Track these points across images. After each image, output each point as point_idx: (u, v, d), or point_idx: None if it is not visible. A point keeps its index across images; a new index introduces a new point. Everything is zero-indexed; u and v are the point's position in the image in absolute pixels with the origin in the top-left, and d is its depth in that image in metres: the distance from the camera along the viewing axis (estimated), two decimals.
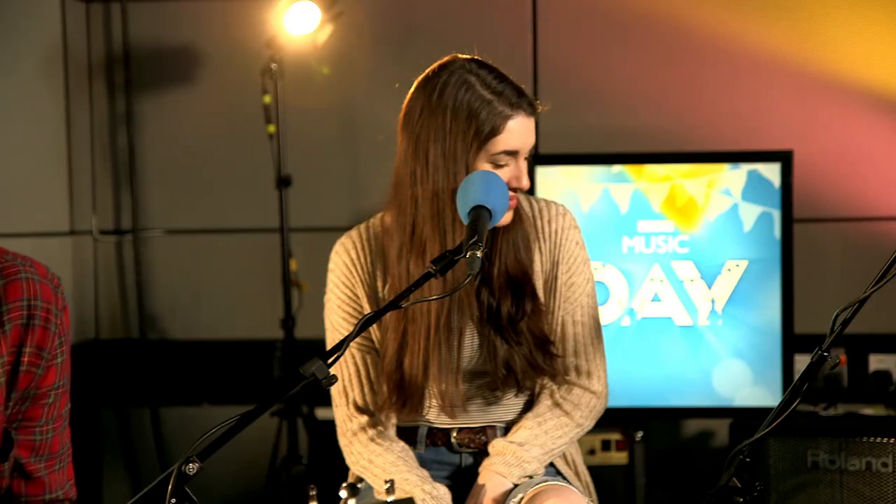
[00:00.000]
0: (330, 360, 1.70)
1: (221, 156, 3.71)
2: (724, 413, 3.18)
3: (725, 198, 3.13)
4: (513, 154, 2.03)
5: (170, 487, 1.63)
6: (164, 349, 3.73)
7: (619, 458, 3.14)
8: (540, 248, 2.13)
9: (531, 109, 2.04)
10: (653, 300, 3.15)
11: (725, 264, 3.13)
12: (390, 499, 1.25)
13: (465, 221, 1.81)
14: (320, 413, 3.56)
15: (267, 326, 3.59)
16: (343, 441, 2.14)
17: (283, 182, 3.39)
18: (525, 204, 2.16)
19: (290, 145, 3.51)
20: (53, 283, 1.59)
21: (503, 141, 2.01)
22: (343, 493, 1.20)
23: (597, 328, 2.16)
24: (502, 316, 2.04)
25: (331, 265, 2.16)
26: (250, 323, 3.68)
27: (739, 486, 1.83)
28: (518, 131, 2.02)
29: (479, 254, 1.69)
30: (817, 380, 3.38)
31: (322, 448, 3.49)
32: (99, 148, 3.76)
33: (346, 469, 2.18)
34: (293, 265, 3.41)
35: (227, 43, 3.66)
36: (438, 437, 2.14)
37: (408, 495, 1.92)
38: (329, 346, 2.13)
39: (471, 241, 1.71)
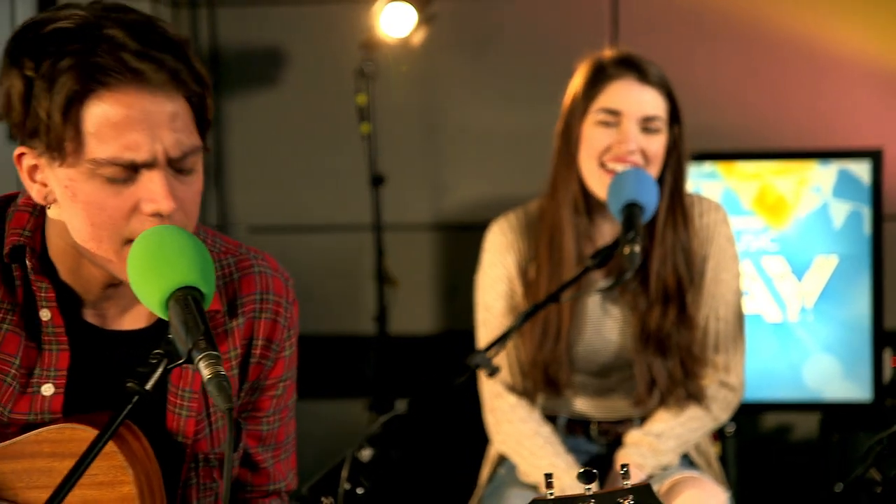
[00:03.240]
0: (491, 352, 1.77)
1: (307, 155, 3.77)
2: (814, 407, 3.22)
3: (815, 195, 3.18)
4: (615, 114, 2.06)
5: (344, 472, 1.70)
6: None
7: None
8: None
9: (641, 76, 2.08)
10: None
11: (815, 260, 3.17)
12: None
13: (619, 219, 1.87)
14: (400, 407, 3.63)
15: (357, 322, 3.65)
16: (491, 419, 2.19)
17: (377, 180, 3.46)
18: None
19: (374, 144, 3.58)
20: (284, 277, 1.63)
21: (604, 98, 2.08)
22: (581, 480, 1.25)
23: (739, 324, 2.20)
24: (654, 325, 2.08)
25: (486, 245, 2.21)
26: (339, 319, 3.74)
27: (879, 477, 1.86)
28: (620, 92, 2.07)
29: (636, 248, 1.74)
30: None
31: (405, 441, 3.55)
32: None
33: (433, 464, 2.25)
34: (386, 262, 3.48)
35: (313, 45, 3.73)
36: (577, 427, 2.20)
37: (564, 494, 1.97)
38: (480, 325, 2.20)
39: (628, 236, 1.76)
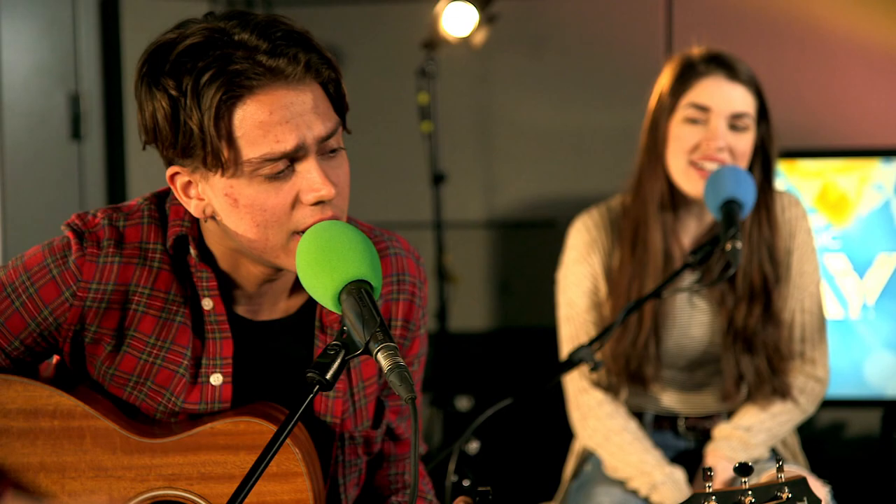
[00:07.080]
0: (595, 347, 1.79)
1: (365, 153, 3.81)
2: (875, 404, 3.24)
3: (878, 193, 3.19)
4: (704, 110, 2.08)
5: (452, 465, 1.73)
6: None
7: None
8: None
9: (731, 73, 2.09)
10: None
11: (878, 257, 3.19)
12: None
13: (717, 216, 1.88)
14: (458, 404, 3.65)
15: None
16: (576, 415, 2.21)
17: (438, 178, 3.49)
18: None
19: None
20: (415, 256, 1.67)
21: (693, 94, 2.09)
22: (737, 472, 1.28)
23: (822, 315, 2.21)
24: (741, 322, 2.10)
25: (570, 241, 2.23)
26: None
27: None
28: (710, 89, 2.08)
29: (738, 245, 1.76)
30: None
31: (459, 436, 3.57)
32: None
33: (496, 458, 2.26)
34: (449, 259, 3.51)
35: (369, 44, 3.76)
36: (664, 422, 2.22)
37: (661, 501, 1.98)
38: (563, 321, 2.21)
39: (729, 233, 1.78)
